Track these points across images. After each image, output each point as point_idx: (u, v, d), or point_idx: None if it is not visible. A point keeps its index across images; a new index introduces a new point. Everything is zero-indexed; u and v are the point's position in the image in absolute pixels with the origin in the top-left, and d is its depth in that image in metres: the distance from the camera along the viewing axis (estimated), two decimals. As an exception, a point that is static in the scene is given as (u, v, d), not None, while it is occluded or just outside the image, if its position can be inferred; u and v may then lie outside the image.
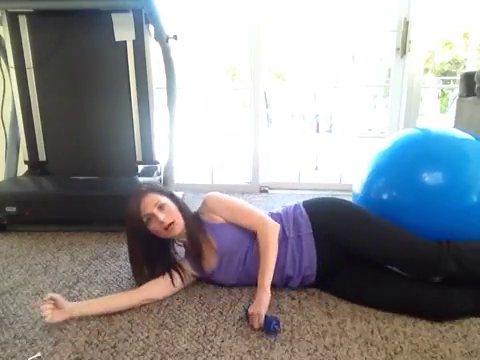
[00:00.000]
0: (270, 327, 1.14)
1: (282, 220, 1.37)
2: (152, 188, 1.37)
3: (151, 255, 1.36)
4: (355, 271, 1.32)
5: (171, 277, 1.35)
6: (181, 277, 1.37)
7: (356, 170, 1.62)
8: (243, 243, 1.35)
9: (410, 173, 1.38)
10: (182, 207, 1.38)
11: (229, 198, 1.42)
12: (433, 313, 1.19)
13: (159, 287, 1.35)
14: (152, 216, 1.28)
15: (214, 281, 1.42)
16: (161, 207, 1.29)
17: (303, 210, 1.38)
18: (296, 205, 1.42)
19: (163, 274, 1.36)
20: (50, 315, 1.19)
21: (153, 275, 1.36)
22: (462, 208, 1.30)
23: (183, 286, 1.40)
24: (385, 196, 1.42)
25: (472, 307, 1.21)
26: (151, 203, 1.29)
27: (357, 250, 1.30)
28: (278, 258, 1.29)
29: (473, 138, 1.44)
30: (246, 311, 1.21)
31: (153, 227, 1.29)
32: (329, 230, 1.32)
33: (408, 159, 1.42)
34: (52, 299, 1.20)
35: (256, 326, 1.16)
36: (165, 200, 1.32)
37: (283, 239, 1.33)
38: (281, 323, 1.18)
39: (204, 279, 1.43)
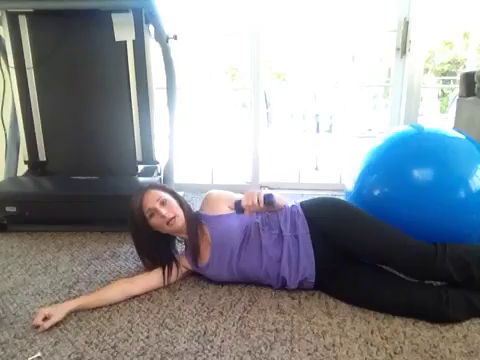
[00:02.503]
0: (270, 198, 1.25)
1: (278, 219, 1.37)
2: (154, 185, 1.45)
3: (153, 249, 1.41)
4: (353, 274, 1.31)
5: (164, 272, 1.40)
6: (170, 272, 1.41)
7: (350, 168, 1.63)
8: (236, 236, 1.35)
9: (401, 169, 1.40)
10: (183, 203, 1.44)
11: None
12: (429, 316, 1.19)
13: (153, 280, 1.39)
14: (154, 211, 1.33)
15: (209, 277, 1.43)
16: (163, 202, 1.36)
17: (300, 210, 1.38)
18: (293, 205, 1.42)
19: (163, 267, 1.40)
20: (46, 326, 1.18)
21: (154, 266, 1.42)
22: (452, 203, 1.32)
23: (175, 280, 1.44)
24: (376, 192, 1.44)
25: (466, 307, 1.19)
26: (153, 198, 1.35)
27: (354, 249, 1.30)
28: (273, 255, 1.30)
29: (463, 136, 1.45)
30: (237, 203, 1.27)
31: (155, 221, 1.35)
32: (326, 230, 1.31)
33: (399, 156, 1.44)
34: (45, 317, 1.19)
35: (259, 206, 1.23)
36: (167, 196, 1.39)
37: (279, 237, 1.33)
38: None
39: (201, 272, 1.45)
